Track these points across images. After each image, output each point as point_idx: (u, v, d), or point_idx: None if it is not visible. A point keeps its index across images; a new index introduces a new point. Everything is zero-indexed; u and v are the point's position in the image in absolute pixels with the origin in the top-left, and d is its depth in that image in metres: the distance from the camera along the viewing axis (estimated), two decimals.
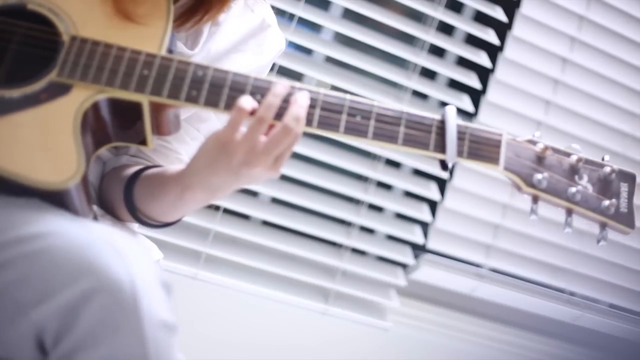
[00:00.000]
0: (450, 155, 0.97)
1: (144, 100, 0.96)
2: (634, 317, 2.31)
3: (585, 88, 2.18)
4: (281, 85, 0.96)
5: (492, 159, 0.98)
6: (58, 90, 0.95)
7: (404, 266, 2.11)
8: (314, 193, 1.99)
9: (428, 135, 0.98)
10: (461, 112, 2.12)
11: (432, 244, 2.08)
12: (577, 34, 2.15)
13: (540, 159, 1.00)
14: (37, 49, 1.00)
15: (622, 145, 2.21)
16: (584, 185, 1.00)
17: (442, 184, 2.08)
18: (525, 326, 2.25)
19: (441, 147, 0.98)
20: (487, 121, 2.09)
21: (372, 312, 2.05)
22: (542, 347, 2.26)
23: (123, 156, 1.17)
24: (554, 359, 2.27)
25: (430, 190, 2.06)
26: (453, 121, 0.98)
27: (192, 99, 0.96)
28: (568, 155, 1.01)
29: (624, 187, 1.01)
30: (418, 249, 2.10)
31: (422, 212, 2.07)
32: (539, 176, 0.98)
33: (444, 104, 2.14)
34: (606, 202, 1.00)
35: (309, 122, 0.96)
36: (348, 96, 0.98)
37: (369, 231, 2.11)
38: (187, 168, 1.01)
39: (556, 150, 1.01)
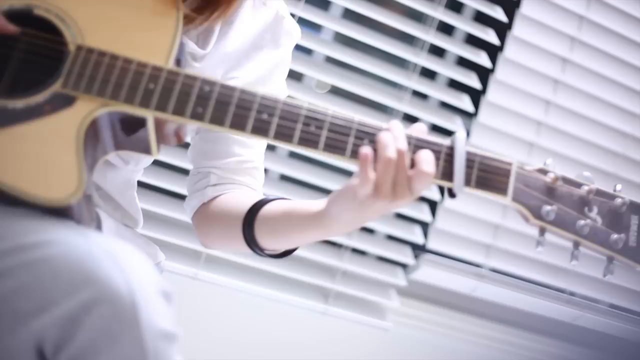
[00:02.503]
0: (458, 185, 0.95)
1: (149, 115, 0.94)
2: (634, 317, 2.31)
3: (585, 88, 2.18)
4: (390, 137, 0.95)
5: (501, 189, 0.96)
6: (62, 102, 0.93)
7: (404, 266, 2.11)
8: (314, 193, 1.99)
9: (436, 162, 0.95)
10: (461, 112, 2.12)
11: (432, 244, 2.08)
12: (577, 34, 2.15)
13: (550, 190, 0.97)
14: (42, 58, 0.97)
15: (622, 145, 2.21)
16: (594, 217, 0.97)
17: None
18: (525, 326, 2.24)
19: (448, 175, 0.95)
20: (487, 121, 2.09)
21: (372, 312, 2.05)
22: (542, 347, 2.26)
23: (207, 188, 1.19)
24: (554, 359, 2.27)
25: (431, 190, 2.06)
26: (462, 149, 0.95)
27: (197, 116, 0.94)
28: (579, 185, 0.98)
29: (634, 220, 0.99)
30: (418, 249, 2.10)
31: (422, 212, 2.07)
32: (547, 208, 0.96)
33: (444, 104, 2.15)
34: (614, 236, 0.97)
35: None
36: (356, 118, 0.96)
37: (369, 231, 2.11)
38: (327, 215, 1.02)
39: (567, 181, 0.98)
